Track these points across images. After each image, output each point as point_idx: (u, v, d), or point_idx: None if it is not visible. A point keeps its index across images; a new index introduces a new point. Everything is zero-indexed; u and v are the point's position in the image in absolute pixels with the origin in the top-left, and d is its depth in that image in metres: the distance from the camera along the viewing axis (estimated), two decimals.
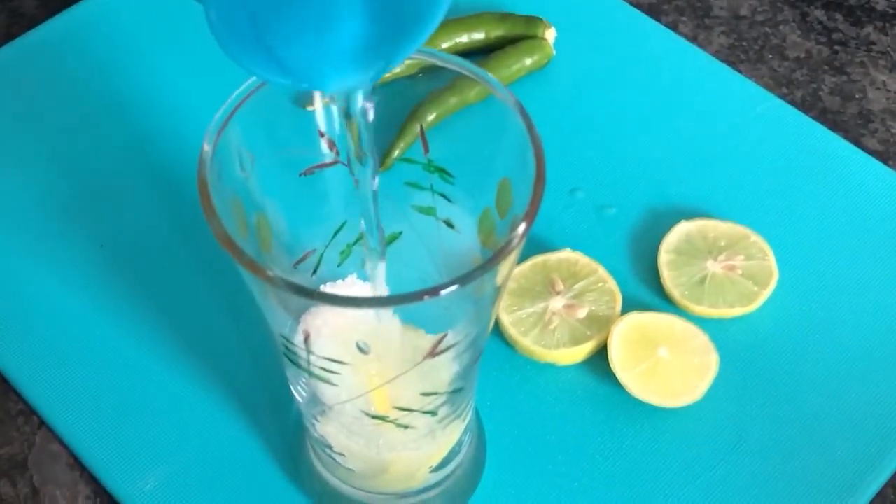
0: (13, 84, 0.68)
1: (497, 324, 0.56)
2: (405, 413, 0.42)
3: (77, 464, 0.54)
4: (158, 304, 0.58)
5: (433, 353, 0.38)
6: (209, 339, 0.57)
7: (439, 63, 0.40)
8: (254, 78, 0.38)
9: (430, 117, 0.56)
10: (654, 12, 0.73)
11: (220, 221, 0.36)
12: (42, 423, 0.55)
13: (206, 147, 0.37)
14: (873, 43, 0.72)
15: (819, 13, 0.73)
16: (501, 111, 0.39)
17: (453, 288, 0.34)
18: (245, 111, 0.38)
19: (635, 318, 0.56)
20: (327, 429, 0.45)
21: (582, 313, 0.57)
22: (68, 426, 0.55)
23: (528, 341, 0.56)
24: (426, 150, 0.42)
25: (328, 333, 0.37)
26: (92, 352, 0.57)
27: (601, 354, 0.56)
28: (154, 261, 0.60)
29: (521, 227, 0.36)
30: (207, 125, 0.38)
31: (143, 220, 0.61)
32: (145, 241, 0.60)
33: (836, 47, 0.71)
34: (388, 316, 0.36)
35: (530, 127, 0.38)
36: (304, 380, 0.42)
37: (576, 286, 0.58)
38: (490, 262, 0.35)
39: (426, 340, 0.37)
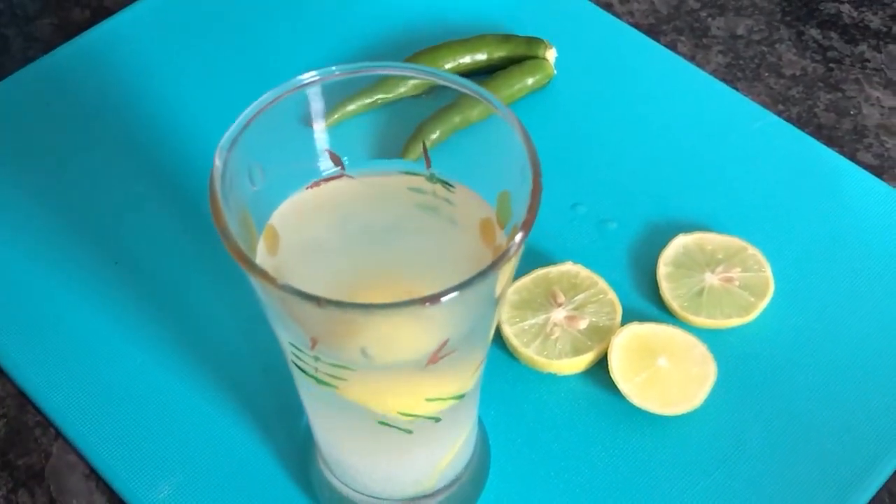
0: (31, 105, 0.70)
1: (500, 334, 0.58)
2: (410, 418, 0.43)
3: (93, 474, 0.56)
4: (172, 317, 0.60)
5: (435, 358, 0.39)
6: (222, 351, 0.58)
7: (444, 83, 0.42)
8: (264, 96, 0.40)
9: (434, 135, 0.57)
10: (653, 32, 0.75)
11: (231, 234, 0.37)
12: (59, 435, 0.57)
13: (217, 163, 0.39)
14: (867, 60, 0.73)
15: (814, 32, 0.75)
16: (501, 128, 0.41)
17: (454, 294, 0.36)
18: (254, 129, 0.40)
19: (635, 328, 0.58)
20: (334, 435, 0.47)
21: (583, 324, 0.58)
22: (84, 437, 0.56)
23: (530, 352, 0.57)
24: (428, 165, 0.44)
25: (334, 340, 0.39)
26: (107, 365, 0.58)
27: (602, 364, 0.57)
28: (167, 275, 0.61)
29: (519, 236, 0.38)
30: (218, 142, 0.39)
31: (157, 236, 0.63)
32: (159, 257, 0.62)
33: (832, 65, 0.73)
34: (391, 321, 0.37)
35: (528, 143, 0.40)
36: (312, 387, 0.43)
37: (577, 298, 0.59)
38: (490, 268, 0.37)
39: (429, 346, 0.39)
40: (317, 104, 0.42)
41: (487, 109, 0.41)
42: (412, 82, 0.45)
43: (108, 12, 0.76)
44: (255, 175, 0.41)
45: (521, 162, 0.40)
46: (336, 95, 0.43)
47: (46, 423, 0.57)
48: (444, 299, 0.36)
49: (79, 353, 0.59)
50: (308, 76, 0.41)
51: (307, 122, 0.43)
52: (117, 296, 0.60)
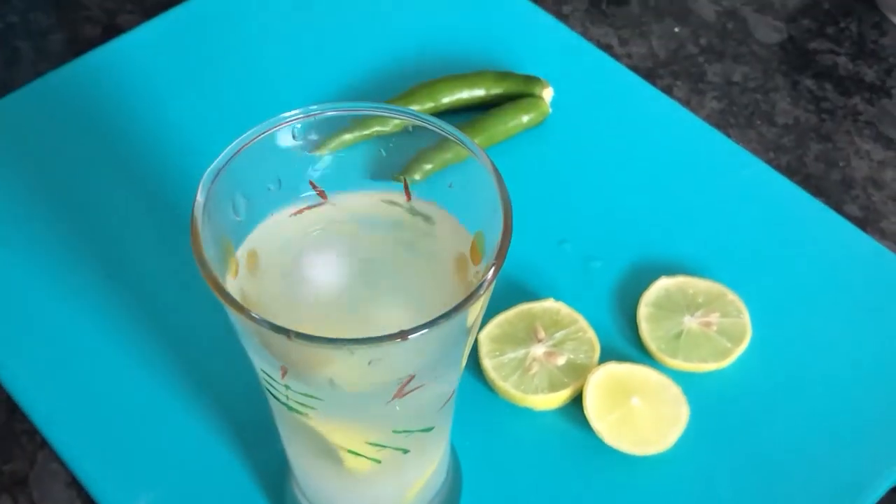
0: (38, 117, 0.72)
1: (479, 367, 0.59)
2: (377, 448, 0.45)
3: (75, 483, 0.57)
4: (161, 334, 0.61)
5: (401, 393, 0.41)
6: (206, 371, 0.60)
7: (421, 124, 0.44)
8: (248, 132, 0.42)
9: (417, 175, 0.59)
10: (650, 76, 0.76)
11: (208, 264, 0.39)
12: (44, 443, 0.58)
13: (199, 197, 0.40)
14: (860, 113, 0.75)
15: (809, 82, 0.76)
16: (478, 171, 0.42)
17: (423, 332, 0.37)
18: (238, 162, 0.41)
19: (611, 368, 0.59)
20: (306, 460, 0.48)
21: (561, 361, 0.59)
22: (68, 446, 0.57)
23: (507, 385, 0.58)
24: (408, 198, 0.45)
25: (303, 370, 0.40)
26: (96, 377, 0.60)
27: (577, 401, 0.59)
28: (158, 292, 0.63)
29: (490, 274, 0.39)
30: (205, 161, 0.41)
31: (150, 252, 0.65)
32: (151, 273, 0.64)
33: (824, 115, 0.74)
34: (359, 355, 0.39)
35: (501, 187, 0.41)
36: (284, 414, 0.44)
37: (557, 335, 0.60)
38: (457, 307, 0.38)
39: (395, 381, 0.40)
40: (301, 139, 0.44)
41: (468, 153, 0.43)
42: (399, 121, 0.46)
43: (118, 31, 0.78)
44: (238, 205, 0.43)
45: (493, 204, 0.41)
46: (323, 130, 0.44)
47: (33, 430, 0.59)
48: (411, 336, 0.37)
49: (69, 363, 0.60)
50: (292, 113, 0.42)
51: (292, 154, 0.44)
52: (109, 311, 0.62)
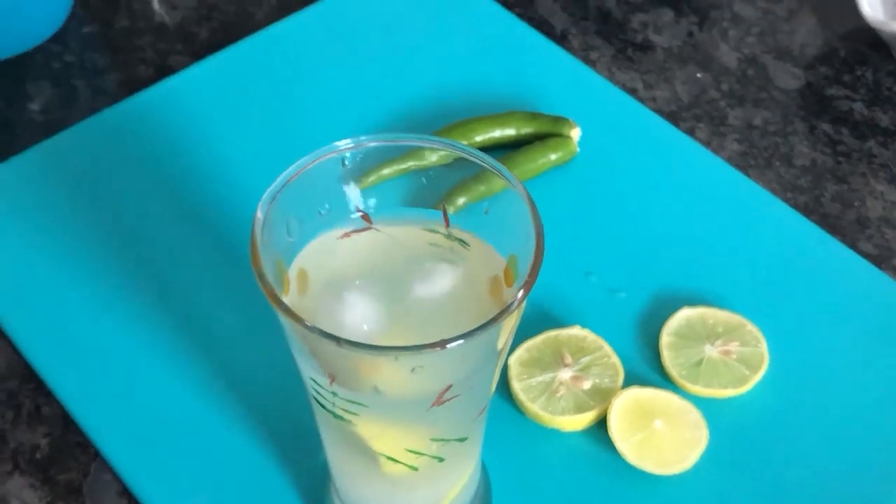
0: (94, 151, 0.76)
1: (509, 389, 0.62)
2: (415, 455, 0.48)
3: (126, 492, 0.60)
4: (209, 352, 0.65)
5: (440, 401, 0.44)
6: (251, 387, 0.63)
7: (466, 157, 0.47)
8: (303, 158, 0.46)
9: (460, 201, 0.63)
10: (673, 118, 0.80)
11: (266, 277, 0.42)
12: (97, 455, 0.62)
13: (259, 214, 0.44)
14: (874, 156, 0.78)
15: (826, 126, 0.80)
16: (514, 200, 0.46)
17: (459, 342, 0.41)
18: (293, 186, 0.45)
19: (635, 392, 0.62)
20: (347, 467, 0.51)
21: (587, 384, 0.62)
22: (120, 458, 0.61)
23: (535, 407, 0.62)
24: (447, 225, 0.49)
25: (350, 377, 0.44)
26: (146, 392, 0.63)
27: (602, 423, 0.62)
28: (207, 313, 0.67)
29: (520, 294, 0.42)
30: (260, 196, 0.45)
31: (200, 276, 0.68)
32: (200, 295, 0.67)
33: (840, 158, 0.78)
34: (402, 362, 0.42)
35: (535, 214, 0.45)
36: (329, 421, 0.48)
37: (583, 360, 0.64)
38: (492, 320, 0.41)
39: (434, 388, 0.43)
40: (351, 167, 0.48)
41: (505, 183, 0.46)
42: (440, 153, 0.50)
43: (170, 71, 0.82)
44: (291, 226, 0.46)
45: (527, 230, 0.45)
46: (370, 160, 0.48)
47: (87, 442, 0.62)
48: (449, 346, 0.41)
49: (121, 380, 0.64)
50: (343, 143, 0.46)
51: (343, 181, 0.48)
52: (160, 330, 0.66)
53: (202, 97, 0.79)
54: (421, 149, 0.49)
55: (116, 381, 0.64)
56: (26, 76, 0.82)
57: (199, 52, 0.84)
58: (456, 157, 0.48)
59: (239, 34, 0.85)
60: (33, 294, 0.68)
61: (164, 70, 0.83)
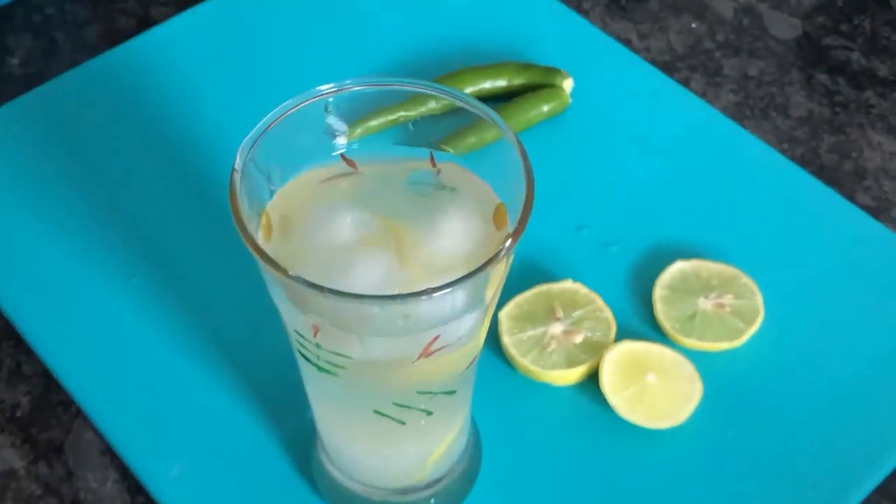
0: (75, 104, 0.74)
1: (499, 344, 0.61)
2: (402, 409, 0.47)
3: (108, 450, 0.59)
4: (192, 308, 0.63)
5: (426, 352, 0.43)
6: (236, 343, 0.62)
7: (462, 105, 0.46)
8: (284, 103, 0.44)
9: (451, 151, 0.61)
10: (668, 69, 0.78)
11: (247, 227, 0.41)
12: (79, 413, 0.61)
13: (238, 161, 0.42)
14: (872, 106, 0.76)
15: (823, 77, 0.78)
16: (506, 150, 0.44)
17: (447, 291, 0.39)
18: (274, 132, 0.44)
19: (627, 346, 0.61)
20: (333, 422, 0.50)
21: (578, 338, 0.61)
22: (102, 416, 0.60)
23: (526, 361, 0.60)
24: (433, 165, 0.47)
25: (334, 329, 0.42)
26: (128, 349, 0.62)
27: (594, 378, 0.60)
28: (189, 269, 0.65)
29: (508, 242, 0.41)
30: (239, 144, 0.43)
31: (182, 231, 0.67)
32: (182, 250, 0.66)
33: (837, 109, 0.76)
34: (388, 311, 0.41)
35: (525, 162, 0.43)
36: (314, 375, 0.46)
37: (574, 314, 0.62)
38: (480, 269, 0.40)
39: (421, 338, 0.42)
40: (335, 113, 0.46)
41: (498, 133, 0.45)
42: (432, 103, 0.48)
43: (152, 22, 0.80)
44: (272, 174, 0.45)
45: (517, 178, 0.43)
46: (356, 108, 0.47)
47: (69, 401, 0.61)
48: (437, 294, 0.39)
49: (103, 337, 0.63)
50: (326, 87, 0.45)
51: (326, 128, 0.47)
52: (142, 286, 0.64)
53: (185, 48, 0.77)
54: (413, 97, 0.48)
55: (98, 338, 0.63)
56: (6, 29, 0.80)
57: (183, 3, 0.82)
58: (450, 106, 0.46)
59: None
60: (12, 250, 0.66)
61: (146, 22, 0.81)
